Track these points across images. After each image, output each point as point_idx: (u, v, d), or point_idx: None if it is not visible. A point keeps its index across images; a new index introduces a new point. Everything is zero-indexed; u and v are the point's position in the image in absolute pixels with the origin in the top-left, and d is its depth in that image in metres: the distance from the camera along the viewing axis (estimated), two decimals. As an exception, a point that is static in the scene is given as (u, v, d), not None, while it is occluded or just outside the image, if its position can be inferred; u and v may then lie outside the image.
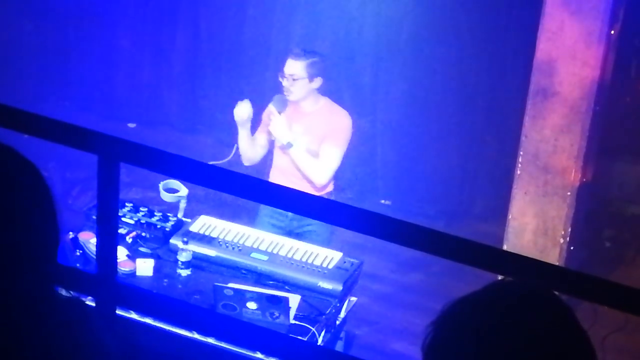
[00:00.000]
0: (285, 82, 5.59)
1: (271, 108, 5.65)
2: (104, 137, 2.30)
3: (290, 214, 5.67)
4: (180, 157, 2.41)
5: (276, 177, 5.72)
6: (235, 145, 5.90)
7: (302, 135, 5.62)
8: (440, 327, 1.57)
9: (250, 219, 5.90)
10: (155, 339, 2.99)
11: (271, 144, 5.78)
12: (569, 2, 5.95)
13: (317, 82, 5.59)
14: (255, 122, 5.79)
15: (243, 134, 5.71)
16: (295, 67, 5.55)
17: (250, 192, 2.61)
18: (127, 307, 3.33)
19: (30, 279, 1.67)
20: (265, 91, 6.82)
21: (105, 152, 2.29)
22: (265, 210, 5.79)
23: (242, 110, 5.64)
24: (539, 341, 1.50)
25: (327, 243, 5.58)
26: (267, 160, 5.84)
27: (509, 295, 1.58)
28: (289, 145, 5.59)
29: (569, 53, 6.02)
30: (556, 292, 1.63)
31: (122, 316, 3.63)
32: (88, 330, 1.78)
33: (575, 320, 1.56)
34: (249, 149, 5.76)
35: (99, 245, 2.44)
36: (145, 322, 4.11)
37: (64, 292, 1.79)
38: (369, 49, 7.66)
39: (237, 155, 5.83)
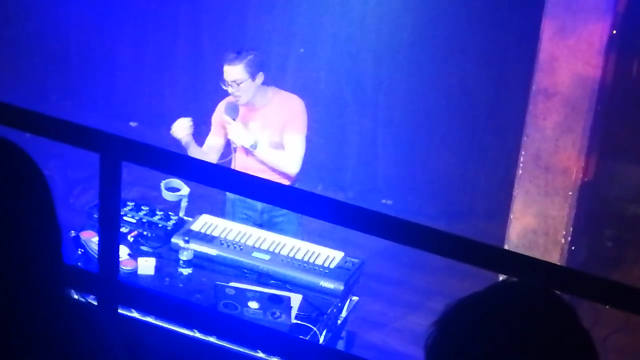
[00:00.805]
0: (230, 89, 5.55)
1: (224, 117, 5.61)
2: (106, 135, 2.29)
3: (259, 206, 5.69)
4: (183, 156, 2.42)
5: None
6: None
7: (261, 130, 5.60)
8: (443, 327, 1.57)
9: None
10: (158, 337, 2.99)
11: (228, 144, 5.76)
12: (570, 2, 5.94)
13: (260, 77, 5.56)
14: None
15: (192, 149, 5.64)
16: (234, 72, 5.50)
17: (253, 191, 2.60)
18: (129, 306, 3.33)
19: (32, 277, 1.66)
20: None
21: (108, 151, 2.29)
22: (236, 203, 5.78)
23: (181, 128, 5.59)
24: (542, 342, 1.50)
25: (296, 234, 5.61)
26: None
27: (512, 296, 1.58)
28: (254, 147, 5.57)
29: (571, 53, 6.01)
30: (558, 292, 1.63)
31: (124, 315, 3.64)
32: (93, 330, 1.77)
33: (578, 321, 1.56)
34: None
35: (101, 244, 2.44)
36: (147, 321, 4.10)
37: (73, 294, 1.78)
38: (371, 48, 7.65)
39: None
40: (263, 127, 5.61)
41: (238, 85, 5.51)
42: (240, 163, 5.70)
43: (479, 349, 1.52)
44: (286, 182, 5.64)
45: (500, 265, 2.52)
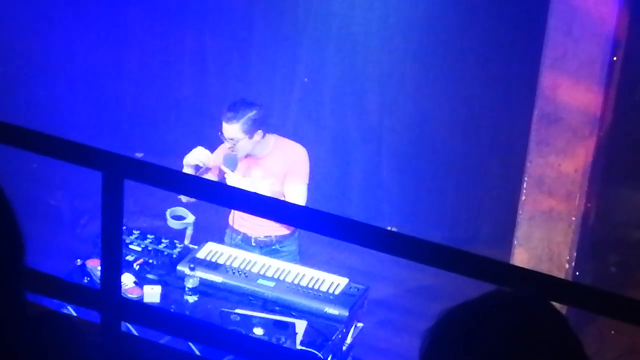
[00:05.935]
0: (227, 144, 5.47)
1: (222, 167, 5.50)
2: (108, 154, 2.33)
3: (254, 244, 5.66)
4: (184, 174, 2.44)
5: (238, 220, 5.66)
6: None
7: (263, 179, 5.51)
8: (436, 333, 1.59)
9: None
10: (159, 355, 3.01)
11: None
12: (571, 29, 5.99)
13: (258, 134, 5.45)
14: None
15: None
16: (230, 131, 5.42)
17: (257, 208, 2.63)
18: (132, 322, 3.34)
19: None
20: (271, 116, 6.86)
21: (110, 169, 2.32)
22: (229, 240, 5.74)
23: (200, 156, 5.47)
24: (534, 349, 1.51)
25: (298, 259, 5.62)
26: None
27: (504, 304, 1.59)
28: None
29: (573, 79, 6.05)
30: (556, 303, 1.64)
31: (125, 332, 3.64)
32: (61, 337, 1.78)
33: (570, 330, 1.57)
34: None
35: (103, 262, 2.46)
36: (148, 339, 4.11)
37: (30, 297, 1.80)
38: (374, 75, 7.69)
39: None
40: (265, 176, 5.52)
41: (234, 143, 5.43)
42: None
43: (471, 356, 1.53)
44: (287, 232, 5.63)
45: (507, 280, 2.53)
